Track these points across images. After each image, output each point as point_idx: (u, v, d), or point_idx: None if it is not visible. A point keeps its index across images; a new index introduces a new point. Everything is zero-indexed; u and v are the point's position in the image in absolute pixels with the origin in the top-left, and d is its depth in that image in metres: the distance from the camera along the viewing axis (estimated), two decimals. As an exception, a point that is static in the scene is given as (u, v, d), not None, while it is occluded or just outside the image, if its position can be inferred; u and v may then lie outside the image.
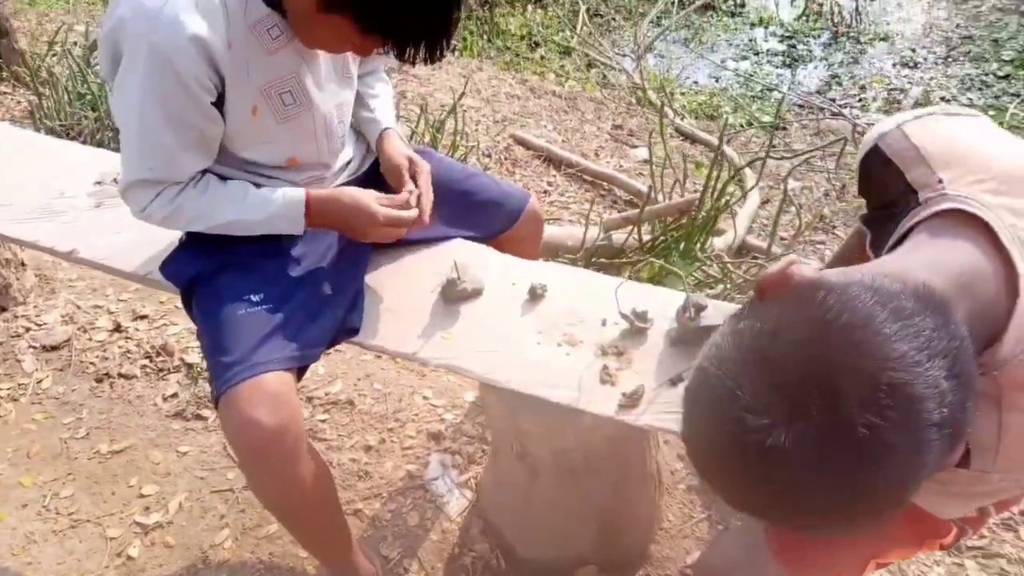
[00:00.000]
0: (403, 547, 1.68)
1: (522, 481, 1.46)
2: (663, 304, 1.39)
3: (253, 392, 1.18)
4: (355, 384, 2.10)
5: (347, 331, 1.38)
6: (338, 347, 1.39)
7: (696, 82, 7.07)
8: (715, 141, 4.90)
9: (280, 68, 1.26)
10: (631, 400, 1.22)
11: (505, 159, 4.27)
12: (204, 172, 1.32)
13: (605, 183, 4.14)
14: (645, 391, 1.23)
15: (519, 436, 1.37)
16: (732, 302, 1.86)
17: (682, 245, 2.42)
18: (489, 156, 4.09)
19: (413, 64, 1.19)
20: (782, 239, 3.77)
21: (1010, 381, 0.65)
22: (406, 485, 1.82)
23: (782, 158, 4.35)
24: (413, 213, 1.36)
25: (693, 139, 4.97)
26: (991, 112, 6.11)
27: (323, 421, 1.98)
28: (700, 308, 1.30)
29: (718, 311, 1.32)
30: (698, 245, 2.45)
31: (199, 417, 1.99)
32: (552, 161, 4.24)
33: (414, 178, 1.42)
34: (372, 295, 1.44)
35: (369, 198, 1.34)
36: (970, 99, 6.49)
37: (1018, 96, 6.31)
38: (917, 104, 6.40)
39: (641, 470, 1.49)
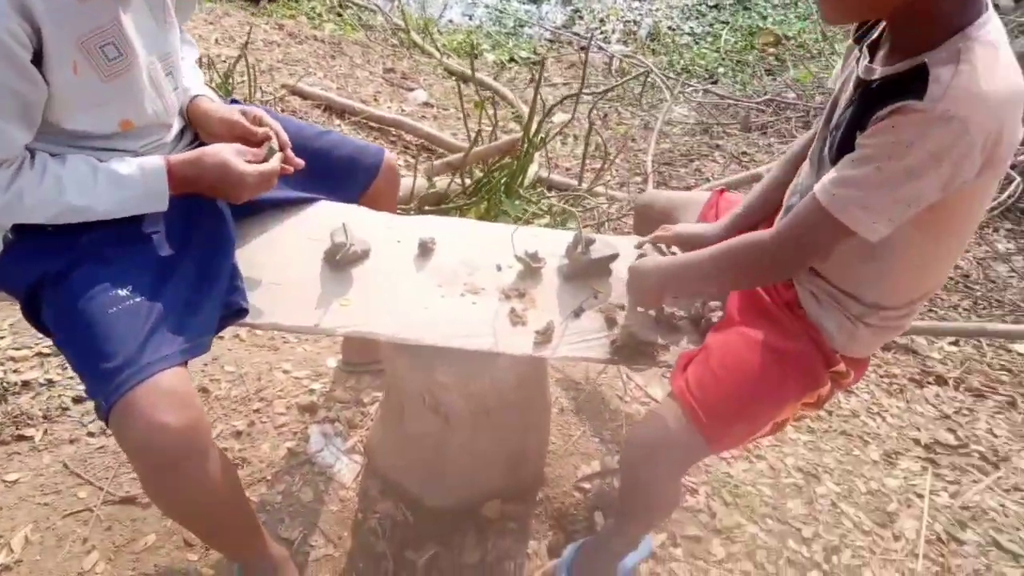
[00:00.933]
0: (303, 525, 1.63)
1: (434, 431, 1.47)
2: (549, 244, 1.46)
3: (152, 395, 1.07)
4: (203, 370, 1.93)
5: (234, 313, 1.27)
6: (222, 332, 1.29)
7: (451, 21, 7.13)
8: (491, 82, 5.01)
9: (97, 16, 1.10)
10: (545, 336, 1.29)
11: (283, 111, 4.03)
12: (33, 152, 1.13)
13: (393, 129, 4.08)
14: (555, 326, 1.30)
15: (432, 389, 1.38)
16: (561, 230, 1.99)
17: (504, 185, 2.50)
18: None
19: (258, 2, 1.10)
20: (567, 169, 4.02)
21: (973, 41, 0.91)
22: (290, 463, 1.75)
23: (592, 93, 4.59)
24: (277, 161, 1.29)
25: (465, 79, 5.03)
26: (708, 38, 6.93)
27: (178, 415, 1.81)
28: (590, 242, 1.39)
29: (606, 244, 1.41)
30: (520, 182, 2.54)
31: (22, 438, 1.72)
32: (333, 110, 4.08)
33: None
34: (251, 271, 1.34)
35: (231, 153, 1.24)
36: (691, 27, 7.27)
37: (727, 24, 7.18)
38: (650, 35, 7.04)
39: (542, 399, 1.58)
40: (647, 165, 4.04)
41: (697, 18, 7.51)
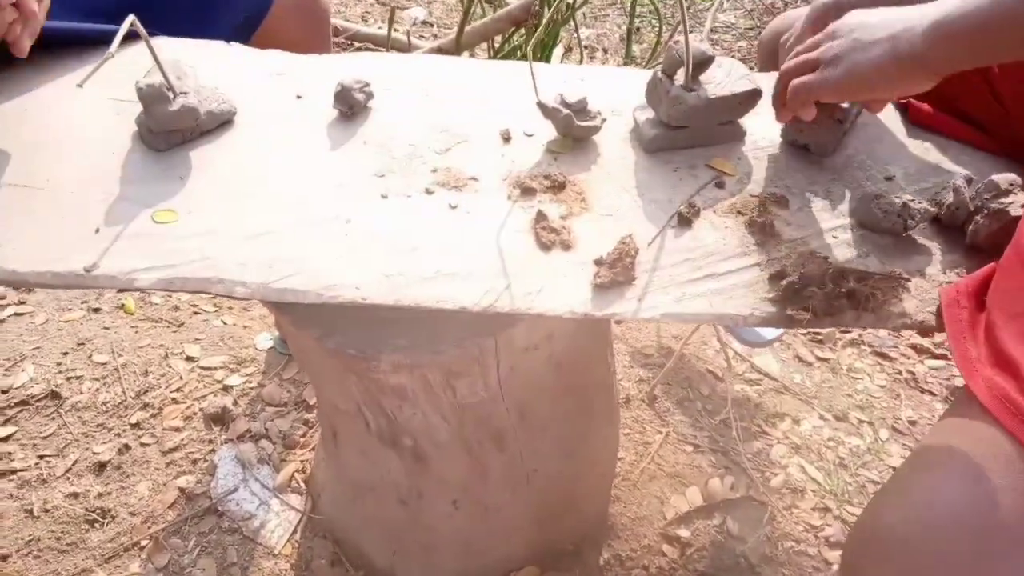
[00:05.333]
0: (197, 627, 0.94)
1: (395, 476, 0.76)
2: (611, 87, 0.72)
3: None
4: (59, 362, 1.23)
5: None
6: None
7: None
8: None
9: None
10: (617, 271, 0.55)
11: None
12: None
13: (383, 49, 3.35)
14: (636, 248, 0.57)
15: (380, 400, 0.66)
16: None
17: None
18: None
19: None
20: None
21: None
22: (183, 514, 1.05)
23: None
24: None
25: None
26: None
27: (3, 440, 1.12)
28: (702, 62, 0.64)
29: (734, 72, 0.67)
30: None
31: None
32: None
33: None
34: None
35: None
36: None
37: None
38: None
39: (606, 403, 0.84)
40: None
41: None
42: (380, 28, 3.65)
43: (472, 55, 2.03)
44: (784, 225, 0.61)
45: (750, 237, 0.60)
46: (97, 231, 0.58)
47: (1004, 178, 0.58)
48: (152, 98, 0.60)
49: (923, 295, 0.56)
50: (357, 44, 3.44)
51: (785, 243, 0.59)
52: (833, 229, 0.61)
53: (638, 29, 4.38)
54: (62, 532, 1.02)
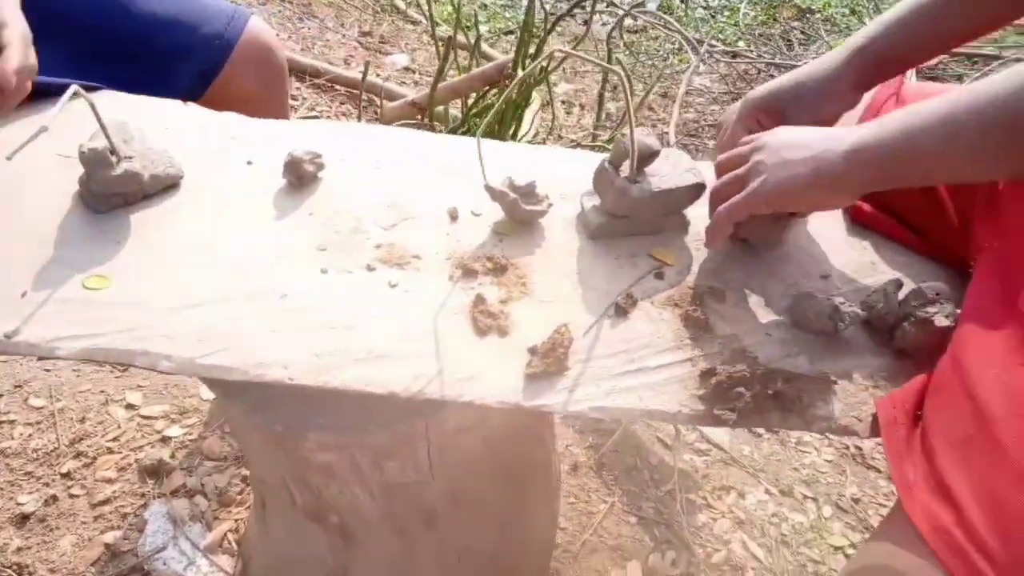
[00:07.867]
0: None
1: (323, 552, 0.74)
2: (560, 170, 0.73)
3: None
4: (-8, 405, 1.20)
5: None
6: None
7: (441, -9, 6.42)
8: (488, 50, 4.31)
9: None
10: (550, 360, 0.55)
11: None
12: None
13: (364, 94, 3.37)
14: (571, 338, 0.57)
15: (306, 477, 0.64)
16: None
17: (492, 133, 1.77)
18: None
19: None
20: (574, 143, 3.31)
21: None
22: (105, 572, 1.01)
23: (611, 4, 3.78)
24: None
25: (453, 46, 4.34)
26: (725, 12, 6.20)
27: (-75, 487, 1.07)
28: (647, 156, 0.65)
29: (680, 163, 0.68)
30: (511, 131, 1.82)
31: None
32: (293, 71, 3.36)
33: None
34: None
35: None
36: (707, 0, 6.54)
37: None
38: (660, 8, 6.29)
39: (544, 484, 0.83)
40: (670, 137, 3.36)
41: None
42: (360, 71, 3.68)
43: (446, 111, 2.06)
44: (719, 320, 0.61)
45: (685, 331, 0.60)
46: (24, 295, 0.57)
47: (932, 287, 0.60)
48: (94, 162, 0.60)
49: (849, 399, 0.57)
50: (338, 86, 3.47)
51: (719, 338, 0.60)
52: (767, 326, 0.62)
53: (614, 88, 4.48)
54: (-26, 589, 0.98)
